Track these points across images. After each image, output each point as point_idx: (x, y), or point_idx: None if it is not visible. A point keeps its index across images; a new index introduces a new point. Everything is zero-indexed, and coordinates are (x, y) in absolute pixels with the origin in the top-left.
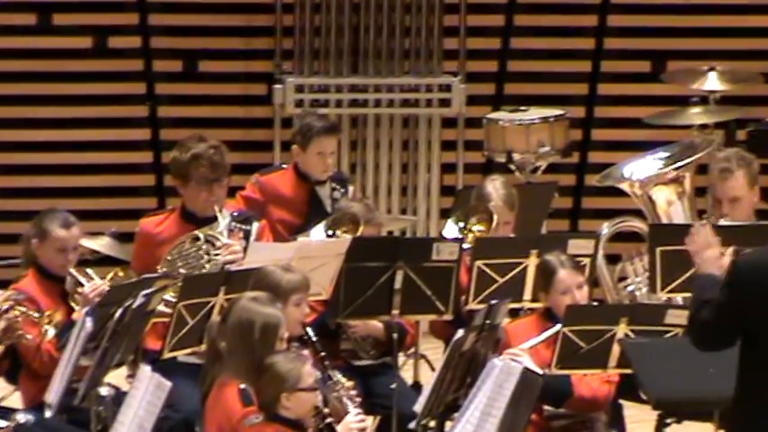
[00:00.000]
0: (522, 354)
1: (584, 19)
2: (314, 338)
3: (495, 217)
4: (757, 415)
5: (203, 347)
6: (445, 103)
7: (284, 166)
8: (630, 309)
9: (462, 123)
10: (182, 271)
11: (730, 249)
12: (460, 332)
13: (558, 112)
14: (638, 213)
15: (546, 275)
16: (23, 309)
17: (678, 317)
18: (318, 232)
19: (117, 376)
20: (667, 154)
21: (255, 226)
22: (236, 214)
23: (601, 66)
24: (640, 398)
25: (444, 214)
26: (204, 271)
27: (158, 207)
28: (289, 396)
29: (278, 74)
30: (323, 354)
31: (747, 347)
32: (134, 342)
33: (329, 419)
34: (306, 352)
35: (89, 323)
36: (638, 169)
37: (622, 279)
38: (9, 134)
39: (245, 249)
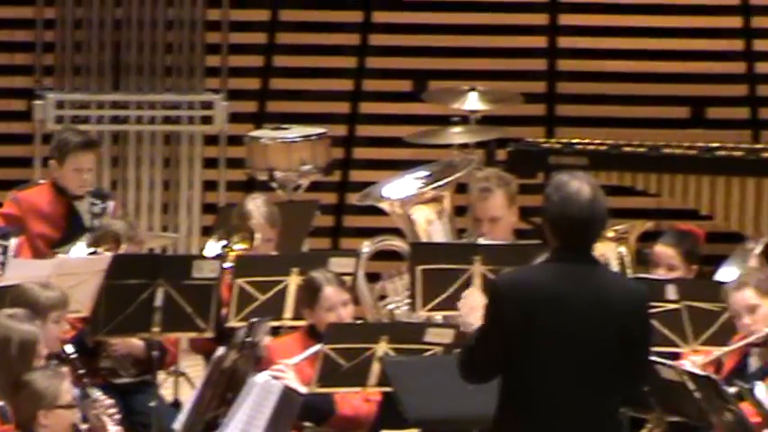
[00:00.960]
0: (286, 370)
1: (346, 38)
2: (73, 356)
3: (257, 235)
4: None
5: None
6: (207, 120)
7: (41, 182)
8: (390, 327)
9: (224, 141)
10: None
11: None
12: (221, 350)
13: (320, 130)
14: (398, 232)
15: (311, 292)
16: None
17: (438, 335)
18: (80, 249)
19: None
20: (427, 173)
21: (13, 242)
22: None
23: (362, 84)
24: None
25: (206, 231)
26: None
27: None
28: (46, 413)
29: (38, 89)
30: (82, 371)
31: (505, 368)
32: None
33: None
34: (64, 369)
35: None
36: (398, 188)
37: (383, 297)
38: None
39: (3, 265)
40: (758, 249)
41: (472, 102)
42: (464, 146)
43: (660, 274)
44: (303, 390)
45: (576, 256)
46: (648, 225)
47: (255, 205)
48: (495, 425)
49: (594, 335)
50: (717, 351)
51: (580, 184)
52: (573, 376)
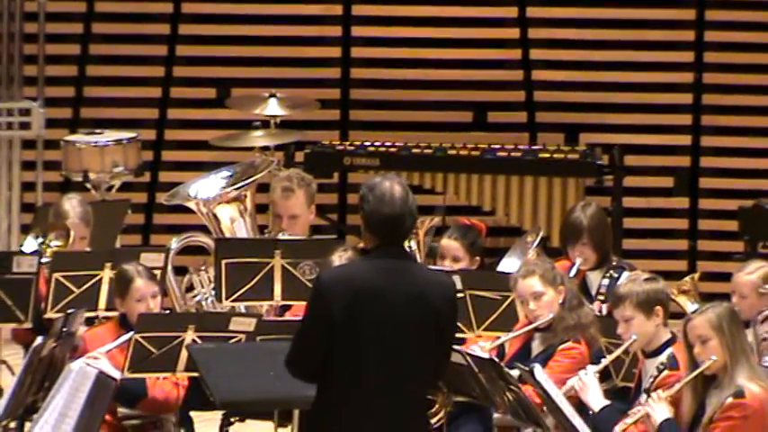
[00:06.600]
0: (100, 357)
1: (155, 48)
2: None
3: (72, 233)
4: (326, 421)
5: None
6: (25, 126)
7: None
8: (197, 317)
9: (41, 145)
10: None
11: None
12: (40, 339)
13: (130, 134)
14: (205, 229)
15: (123, 284)
16: None
17: (241, 324)
18: None
19: None
20: (229, 173)
21: None
22: None
23: (170, 92)
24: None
25: (24, 230)
26: None
27: None
28: None
29: None
30: None
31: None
32: None
33: None
34: None
35: None
36: (203, 188)
37: (190, 289)
38: None
39: None
40: (536, 242)
41: (272, 107)
42: (265, 148)
43: (446, 265)
44: (117, 375)
45: (393, 251)
46: (436, 221)
47: (71, 205)
48: (313, 408)
49: (414, 325)
50: (504, 336)
51: (391, 184)
52: (393, 364)
